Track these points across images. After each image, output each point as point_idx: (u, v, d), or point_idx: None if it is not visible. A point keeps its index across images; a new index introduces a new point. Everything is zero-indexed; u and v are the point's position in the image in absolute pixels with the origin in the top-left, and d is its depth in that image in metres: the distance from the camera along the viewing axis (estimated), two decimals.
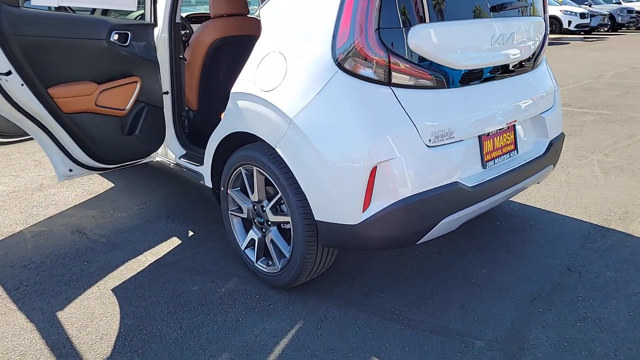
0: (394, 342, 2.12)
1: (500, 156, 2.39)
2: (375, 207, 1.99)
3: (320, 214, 2.08)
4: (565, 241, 2.90)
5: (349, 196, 1.99)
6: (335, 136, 1.97)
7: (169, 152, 3.16)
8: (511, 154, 2.46)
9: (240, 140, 2.52)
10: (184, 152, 3.12)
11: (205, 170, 2.74)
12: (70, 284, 2.59)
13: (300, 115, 2.03)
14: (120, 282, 2.60)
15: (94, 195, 3.74)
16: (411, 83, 2.03)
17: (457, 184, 2.13)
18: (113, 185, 3.91)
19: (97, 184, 3.94)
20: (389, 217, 1.99)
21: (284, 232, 2.40)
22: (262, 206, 2.41)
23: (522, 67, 2.50)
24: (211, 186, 2.73)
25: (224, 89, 3.51)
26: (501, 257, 2.75)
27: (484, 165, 2.27)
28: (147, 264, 2.76)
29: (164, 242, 3.00)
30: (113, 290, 2.53)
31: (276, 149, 2.15)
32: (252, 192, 2.43)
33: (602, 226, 3.08)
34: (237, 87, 2.33)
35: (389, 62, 1.96)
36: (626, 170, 4.01)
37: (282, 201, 2.29)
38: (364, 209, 1.99)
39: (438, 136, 2.06)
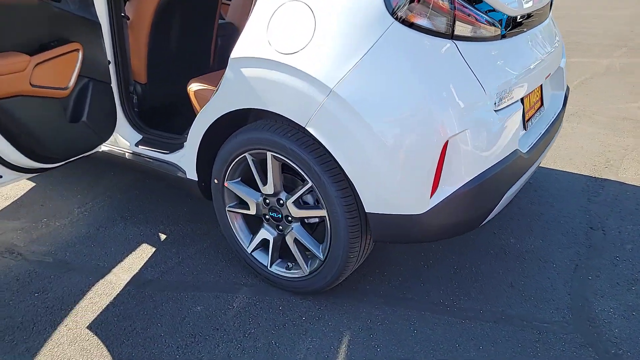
0: (463, 340, 1.83)
1: (534, 115, 2.14)
2: (444, 191, 1.65)
3: (372, 205, 1.69)
4: (571, 197, 2.79)
5: (415, 181, 1.61)
6: (394, 107, 1.57)
7: (119, 139, 2.53)
8: (540, 111, 2.22)
9: (237, 120, 2.02)
10: (140, 137, 2.50)
11: (187, 159, 2.19)
12: (24, 328, 1.95)
13: (343, 82, 1.59)
14: (96, 315, 2.01)
15: (11, 200, 2.96)
16: (471, 34, 1.66)
17: (517, 151, 1.84)
18: (33, 184, 3.13)
19: (8, 185, 3.13)
20: (458, 201, 1.66)
21: (304, 228, 1.98)
22: (279, 199, 1.94)
23: (544, 13, 2.25)
24: (197, 179, 2.19)
25: (180, 55, 2.89)
26: (521, 223, 2.56)
27: (525, 127, 2.01)
28: (122, 286, 2.18)
29: (133, 253, 2.41)
30: (90, 328, 1.95)
31: (307, 128, 1.69)
32: (265, 183, 1.95)
33: (595, 177, 3.02)
34: (239, 51, 1.81)
35: (454, 8, 1.58)
36: (583, 117, 4.04)
37: (306, 192, 1.85)
38: (432, 195, 1.63)
39: (501, 98, 1.74)
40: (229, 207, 2.12)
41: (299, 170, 1.79)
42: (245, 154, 1.93)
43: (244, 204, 2.11)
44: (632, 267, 2.20)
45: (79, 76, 2.12)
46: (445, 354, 1.78)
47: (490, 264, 2.25)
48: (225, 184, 2.06)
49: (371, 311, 1.99)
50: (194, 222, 2.65)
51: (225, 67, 1.92)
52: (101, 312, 2.03)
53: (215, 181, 2.09)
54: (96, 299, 2.11)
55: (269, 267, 2.08)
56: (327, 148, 1.67)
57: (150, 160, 2.42)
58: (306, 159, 1.74)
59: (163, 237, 2.54)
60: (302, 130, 1.77)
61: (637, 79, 4.90)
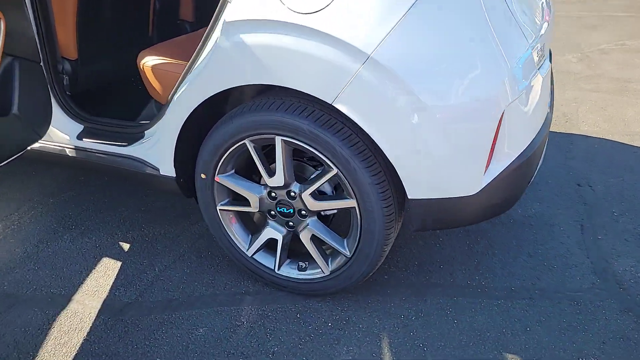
0: (507, 324, 1.69)
1: None
2: (496, 167, 1.45)
3: (417, 190, 1.45)
4: (549, 156, 2.76)
5: (469, 159, 1.39)
6: (446, 74, 1.32)
7: (54, 132, 2.03)
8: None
9: (215, 103, 1.66)
10: (81, 128, 2.02)
11: (158, 152, 1.79)
12: None
13: (384, 47, 1.30)
14: (71, 359, 1.60)
15: None
16: None
17: (548, 114, 1.70)
18: None
19: None
20: (507, 178, 1.48)
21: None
22: (290, 192, 1.63)
23: None
24: (174, 175, 1.80)
25: (115, 24, 2.38)
26: None
27: None
28: (93, 316, 1.76)
29: (94, 272, 1.97)
30: None
31: (335, 105, 1.39)
32: (271, 174, 1.62)
33: (560, 132, 3.03)
34: (238, 12, 1.43)
35: None
36: None
37: (322, 181, 1.57)
38: (485, 172, 1.43)
39: (540, 56, 1.56)
40: (221, 205, 1.76)
41: (320, 156, 1.49)
42: (245, 141, 1.59)
43: (240, 200, 1.77)
44: (632, 221, 2.20)
45: (4, 54, 1.61)
46: (497, 343, 1.62)
47: (501, 235, 2.13)
48: (217, 178, 1.70)
49: (400, 304, 1.78)
50: (159, 223, 2.24)
51: (175, 35, 1.55)
52: (75, 354, 1.61)
53: (203, 176, 1.72)
54: (63, 337, 1.67)
55: (276, 270, 1.78)
56: (363, 127, 1.39)
57: (103, 155, 1.96)
58: (330, 142, 1.45)
59: (126, 246, 2.11)
60: (325, 108, 1.47)
61: (566, 29, 5.06)
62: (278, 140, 1.54)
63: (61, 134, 2.02)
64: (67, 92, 2.08)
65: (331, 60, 1.35)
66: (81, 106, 2.06)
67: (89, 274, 1.96)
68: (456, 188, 1.43)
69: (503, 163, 1.45)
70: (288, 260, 1.79)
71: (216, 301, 1.81)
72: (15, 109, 1.67)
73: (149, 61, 1.96)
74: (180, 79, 1.67)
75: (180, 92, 1.64)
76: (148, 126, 1.87)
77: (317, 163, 1.71)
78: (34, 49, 1.76)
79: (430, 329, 1.68)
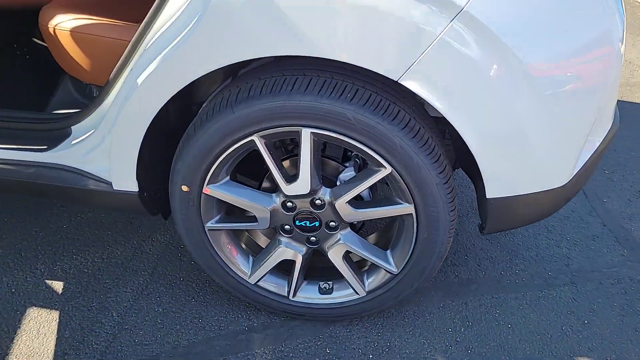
0: (562, 318, 1.48)
1: None
2: (585, 153, 1.18)
3: (501, 187, 1.12)
4: None
5: (570, 143, 1.10)
6: (557, 35, 0.98)
7: None
8: None
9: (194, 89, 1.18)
10: None
11: (115, 158, 1.24)
12: None
13: None
14: None
15: None
16: None
17: None
18: None
19: None
20: (592, 165, 1.22)
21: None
22: (316, 200, 1.21)
23: None
24: (137, 189, 1.27)
25: None
26: None
27: None
28: None
29: (22, 333, 1.40)
30: None
31: (403, 81, 0.99)
32: (289, 180, 1.19)
33: None
34: None
35: None
36: None
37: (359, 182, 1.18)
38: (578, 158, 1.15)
39: None
40: (212, 224, 1.29)
41: (369, 151, 1.09)
42: (254, 137, 1.12)
43: (238, 216, 1.31)
44: (625, 179, 2.11)
45: None
46: (561, 344, 1.41)
47: None
48: (206, 189, 1.22)
49: (441, 314, 1.48)
50: (99, 242, 1.68)
51: None
52: None
53: (185, 188, 1.22)
54: None
55: (291, 297, 1.37)
56: (440, 109, 1.01)
57: (11, 167, 1.35)
58: (387, 133, 1.05)
59: (58, 286, 1.54)
60: (374, 86, 1.06)
61: None
62: (306, 134, 1.10)
63: None
64: None
65: (406, 17, 0.93)
66: None
67: (14, 337, 1.38)
68: (547, 180, 1.13)
69: (591, 147, 1.19)
70: (305, 282, 1.39)
71: (214, 349, 1.36)
72: None
73: (63, 22, 1.35)
74: (131, 48, 1.14)
75: (140, 69, 1.11)
76: (76, 118, 1.30)
77: (342, 158, 1.31)
78: None
79: (486, 340, 1.41)
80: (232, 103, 1.10)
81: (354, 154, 1.30)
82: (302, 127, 1.09)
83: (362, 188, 1.17)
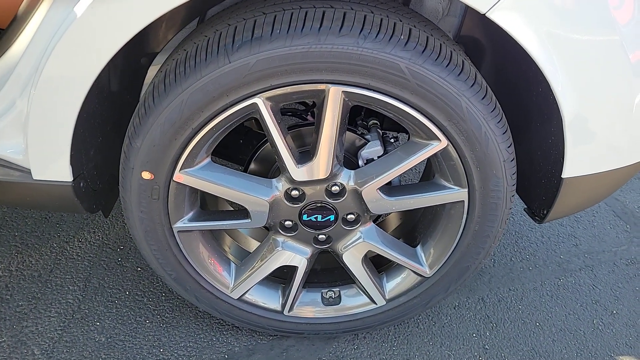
0: (597, 311, 1.30)
1: None
2: None
3: (583, 163, 0.87)
4: None
5: None
6: None
7: None
8: None
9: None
10: None
11: (34, 137, 0.82)
12: None
13: None
14: None
15: None
16: None
17: None
18: None
19: None
20: None
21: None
22: (333, 186, 0.89)
23: None
24: (70, 178, 0.86)
25: None
26: None
27: None
28: None
29: None
30: None
31: (491, 14, 0.69)
32: (300, 160, 0.85)
33: None
34: None
35: None
36: None
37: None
38: None
39: None
40: (184, 223, 0.92)
41: (421, 118, 0.79)
42: (257, 100, 0.77)
43: (219, 211, 0.95)
44: None
45: None
46: (597, 341, 1.22)
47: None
48: (178, 176, 0.85)
49: (461, 316, 1.24)
50: (12, 250, 1.23)
51: None
52: None
53: (147, 176, 0.84)
54: None
55: (286, 312, 1.05)
56: (539, 59, 0.73)
57: None
58: (452, 92, 0.75)
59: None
60: (433, 25, 0.75)
61: None
62: (335, 95, 0.77)
63: None
64: None
65: None
66: None
67: None
68: (627, 156, 0.89)
69: None
70: (303, 291, 1.07)
71: None
72: None
73: None
74: None
75: (69, 2, 0.71)
76: None
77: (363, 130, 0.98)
78: None
79: (517, 344, 1.19)
80: (226, 48, 0.73)
81: (372, 122, 0.99)
82: (330, 84, 0.76)
83: (403, 169, 0.86)
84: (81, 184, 0.90)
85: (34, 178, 0.86)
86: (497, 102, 0.82)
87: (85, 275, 1.21)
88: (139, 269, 1.24)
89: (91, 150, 0.88)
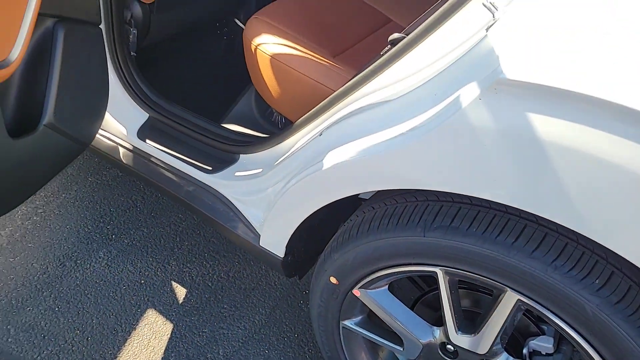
0: None
1: None
2: None
3: None
4: None
5: None
6: None
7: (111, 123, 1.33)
8: None
9: None
10: (146, 117, 1.32)
11: (274, 215, 1.08)
12: None
13: None
14: None
15: None
16: None
17: None
18: None
19: None
20: None
21: None
22: None
23: None
24: (282, 255, 1.10)
25: None
26: None
27: None
28: None
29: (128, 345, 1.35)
30: None
31: None
32: (463, 330, 0.91)
33: None
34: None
35: None
36: None
37: None
38: None
39: None
40: (349, 323, 1.07)
41: (595, 355, 0.77)
42: (438, 270, 0.86)
43: (380, 328, 1.08)
44: None
45: (38, 16, 0.85)
46: None
47: None
48: (357, 292, 1.00)
49: None
50: (235, 259, 1.58)
51: None
52: None
53: (334, 281, 1.01)
54: None
55: None
56: None
57: (176, 180, 1.26)
58: (637, 351, 0.72)
59: (191, 294, 1.47)
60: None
61: None
62: (509, 299, 0.81)
63: (115, 125, 1.32)
64: (132, 54, 1.35)
65: None
66: (148, 83, 1.33)
67: (126, 339, 1.34)
68: None
69: None
70: None
71: None
72: (49, 116, 0.95)
73: (267, 43, 1.19)
74: (328, 103, 0.93)
75: (331, 139, 0.90)
76: (247, 147, 1.15)
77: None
78: (92, 4, 1.00)
79: None
80: (426, 224, 0.84)
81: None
82: (509, 288, 0.80)
83: None
84: (288, 259, 1.12)
85: (260, 244, 1.12)
86: None
87: (273, 304, 1.47)
88: (309, 318, 1.45)
89: (303, 242, 1.09)
